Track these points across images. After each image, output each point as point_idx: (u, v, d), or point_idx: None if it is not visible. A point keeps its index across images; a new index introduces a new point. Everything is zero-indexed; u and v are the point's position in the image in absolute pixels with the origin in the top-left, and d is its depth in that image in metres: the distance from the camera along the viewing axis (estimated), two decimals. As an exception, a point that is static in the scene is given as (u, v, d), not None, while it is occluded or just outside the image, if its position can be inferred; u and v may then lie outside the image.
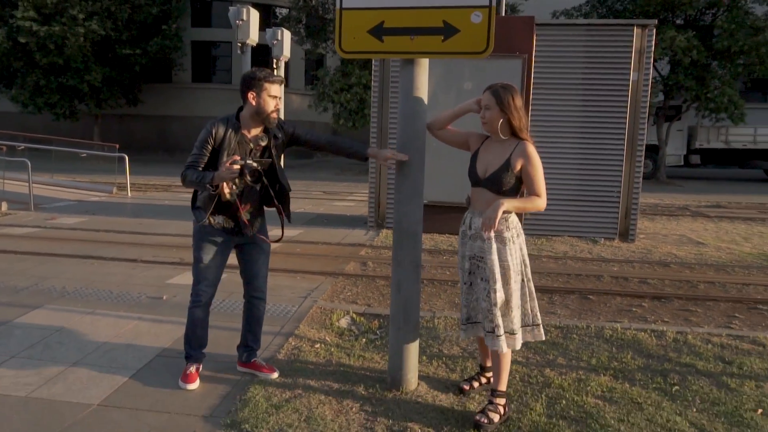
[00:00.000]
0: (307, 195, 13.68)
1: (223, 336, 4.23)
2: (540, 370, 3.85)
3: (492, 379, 3.34)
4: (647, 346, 4.28)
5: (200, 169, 3.24)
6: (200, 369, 3.59)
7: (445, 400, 3.39)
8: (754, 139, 21.38)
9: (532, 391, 3.55)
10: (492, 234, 3.02)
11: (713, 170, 25.49)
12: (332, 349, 4.09)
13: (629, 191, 8.17)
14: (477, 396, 3.47)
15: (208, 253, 3.39)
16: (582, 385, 3.64)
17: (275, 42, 10.56)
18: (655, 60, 16.70)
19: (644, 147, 8.17)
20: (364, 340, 4.34)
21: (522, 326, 3.17)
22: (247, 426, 3.02)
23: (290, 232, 8.40)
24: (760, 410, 3.37)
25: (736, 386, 3.66)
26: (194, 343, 3.56)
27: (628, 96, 7.97)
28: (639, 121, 8.06)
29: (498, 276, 3.05)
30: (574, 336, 4.45)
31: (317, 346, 4.14)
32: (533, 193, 3.03)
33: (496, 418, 3.10)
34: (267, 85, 3.17)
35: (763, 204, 14.46)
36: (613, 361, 4.01)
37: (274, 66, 10.76)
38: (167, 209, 10.57)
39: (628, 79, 7.93)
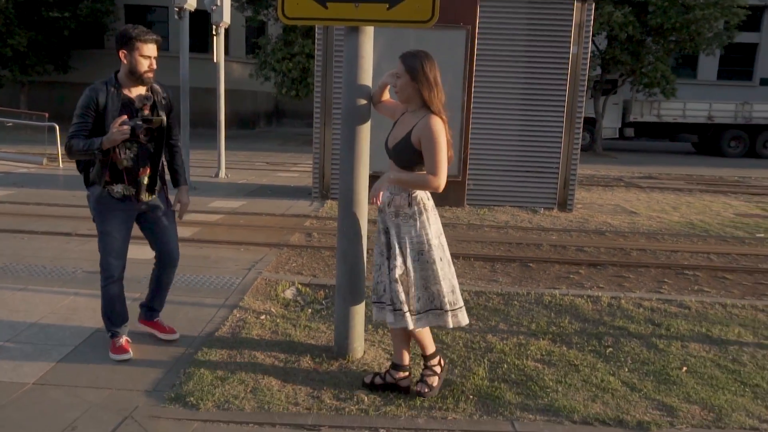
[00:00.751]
0: (251, 166, 13.41)
1: (166, 310, 4.13)
2: (482, 336, 3.96)
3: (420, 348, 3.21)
4: (583, 311, 4.47)
5: (85, 136, 3.12)
6: (129, 341, 3.50)
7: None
8: (683, 113, 22.27)
9: (475, 357, 3.65)
10: (379, 203, 3.00)
11: (646, 143, 26.50)
12: (278, 320, 4.07)
13: (568, 162, 8.42)
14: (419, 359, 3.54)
15: (113, 225, 3.29)
16: (522, 350, 3.77)
17: (214, 7, 10.17)
18: (593, 35, 17.12)
19: (582, 119, 8.40)
20: (309, 310, 4.35)
21: (426, 310, 3.01)
22: (192, 399, 2.99)
23: (233, 204, 8.24)
24: (684, 368, 3.59)
25: (664, 347, 3.88)
26: (116, 320, 3.47)
27: (567, 69, 8.15)
28: (578, 94, 8.27)
29: (397, 252, 2.95)
30: (515, 302, 4.59)
31: (262, 317, 4.11)
32: (427, 170, 2.87)
33: (435, 381, 3.13)
34: (139, 44, 3.09)
35: (690, 175, 15.20)
36: (552, 326, 4.17)
37: (214, 33, 10.38)
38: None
39: (568, 53, 8.09)
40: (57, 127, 11.94)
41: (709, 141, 22.54)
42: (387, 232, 3.06)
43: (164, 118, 3.28)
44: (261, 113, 30.09)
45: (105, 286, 3.41)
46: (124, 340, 3.48)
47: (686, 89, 23.83)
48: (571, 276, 5.48)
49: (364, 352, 3.62)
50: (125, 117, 3.06)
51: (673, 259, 6.16)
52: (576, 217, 8.25)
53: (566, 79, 8.18)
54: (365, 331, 3.74)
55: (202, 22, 23.31)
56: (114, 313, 3.46)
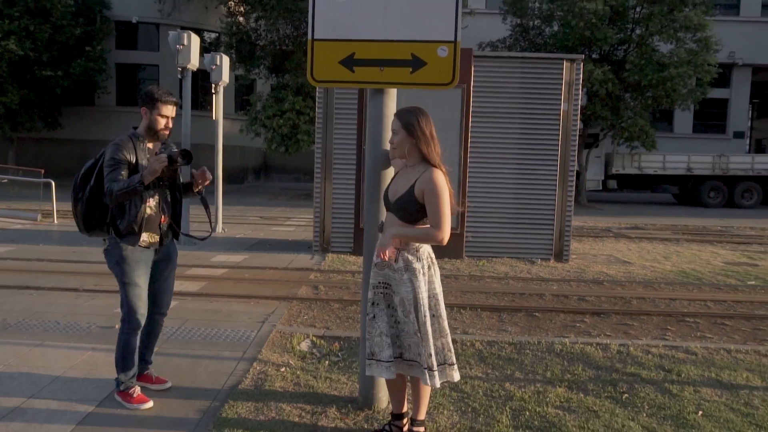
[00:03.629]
0: (245, 220, 13.51)
1: (186, 364, 4.16)
2: (501, 384, 4.03)
3: (411, 413, 3.22)
4: (595, 358, 4.57)
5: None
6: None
7: (417, 416, 3.49)
8: (663, 166, 22.98)
9: (496, 405, 3.71)
10: (390, 259, 2.93)
11: (628, 194, 27.18)
12: (298, 372, 4.11)
13: (562, 214, 8.66)
14: (448, 406, 3.59)
15: (141, 275, 3.43)
16: (541, 397, 3.85)
17: (214, 67, 10.50)
18: (574, 91, 17.83)
19: (575, 173, 8.70)
20: (327, 362, 4.39)
21: (441, 364, 3.02)
22: (226, 452, 3.01)
23: (235, 258, 8.30)
24: (700, 412, 3.69)
25: (678, 392, 3.98)
26: (130, 370, 3.52)
27: (559, 125, 8.50)
28: (570, 148, 8.60)
29: (411, 307, 2.94)
30: (528, 351, 4.68)
31: (282, 369, 4.15)
32: (431, 223, 2.90)
33: None
34: (160, 104, 3.37)
35: (675, 225, 15.58)
36: (566, 374, 4.26)
37: (213, 91, 10.67)
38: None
39: (559, 109, 8.46)
40: (53, 183, 11.99)
41: (689, 192, 23.19)
42: (386, 286, 3.03)
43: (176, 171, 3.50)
44: (249, 168, 30.40)
45: (128, 336, 3.46)
46: (138, 389, 3.53)
47: (664, 142, 24.68)
48: (577, 324, 5.60)
49: (388, 402, 3.67)
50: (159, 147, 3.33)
51: (672, 307, 6.31)
52: (573, 268, 8.43)
53: (558, 134, 8.53)
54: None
55: (201, 80, 23.87)
56: (130, 363, 3.52)
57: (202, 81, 21.53)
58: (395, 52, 3.36)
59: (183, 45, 8.66)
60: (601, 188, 23.47)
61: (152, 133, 3.42)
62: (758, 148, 35.89)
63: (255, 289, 6.43)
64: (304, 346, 4.73)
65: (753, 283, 7.79)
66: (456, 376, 3.08)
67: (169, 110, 3.41)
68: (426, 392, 3.16)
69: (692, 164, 22.80)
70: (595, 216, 17.82)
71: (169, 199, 3.53)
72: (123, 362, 3.50)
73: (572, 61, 8.45)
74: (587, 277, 7.82)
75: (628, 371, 4.33)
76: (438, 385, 3.00)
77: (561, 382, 4.10)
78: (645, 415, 3.63)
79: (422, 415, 3.18)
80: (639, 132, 20.81)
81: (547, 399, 3.82)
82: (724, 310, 6.28)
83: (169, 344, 4.53)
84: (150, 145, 3.46)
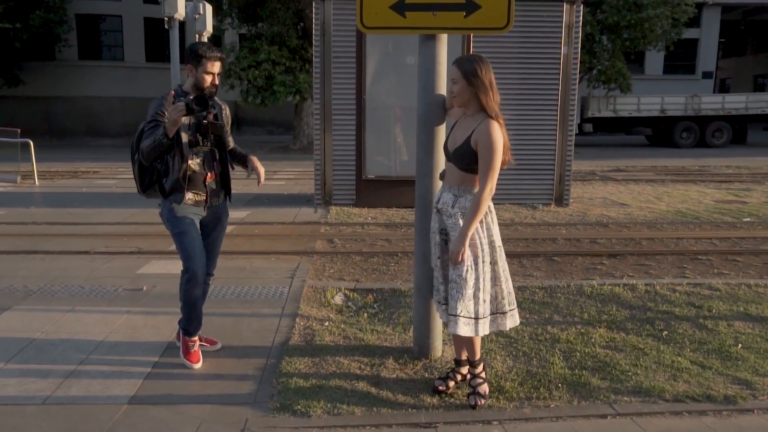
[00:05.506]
0: (233, 175, 13.23)
1: (228, 323, 4.12)
2: (543, 328, 4.12)
3: (468, 369, 3.23)
4: (625, 298, 4.68)
5: None
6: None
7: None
8: (638, 108, 23.22)
9: (546, 348, 3.80)
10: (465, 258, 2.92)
11: (602, 137, 27.45)
12: (342, 326, 4.11)
13: (563, 159, 8.71)
14: (499, 351, 3.65)
15: (191, 227, 3.36)
16: (586, 338, 3.94)
17: (197, 16, 10.04)
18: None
19: (576, 117, 8.70)
20: (365, 314, 4.40)
21: (491, 313, 3.05)
22: (299, 407, 3.01)
23: (238, 214, 8.16)
24: (740, 344, 3.84)
25: (713, 327, 4.12)
26: (196, 326, 3.50)
27: (559, 69, 8.44)
28: (570, 93, 8.57)
29: (466, 256, 2.93)
30: (560, 294, 4.77)
31: (327, 324, 4.15)
32: (481, 174, 2.90)
33: (486, 389, 3.13)
34: (205, 61, 3.22)
35: (655, 166, 15.88)
36: (603, 314, 4.36)
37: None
38: (93, 197, 9.83)
39: (560, 53, 8.39)
40: (31, 143, 11.50)
41: (662, 133, 23.57)
42: (447, 235, 3.07)
43: (224, 124, 3.40)
44: (221, 122, 29.58)
45: (188, 287, 3.38)
46: (198, 346, 3.51)
47: (636, 84, 24.85)
48: (598, 267, 5.71)
49: (443, 351, 3.71)
50: (173, 94, 3.12)
51: (681, 246, 6.48)
52: (574, 212, 8.55)
53: (558, 79, 8.48)
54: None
55: (157, 31, 22.88)
56: (196, 318, 3.47)
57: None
58: (448, -5, 3.23)
59: (169, -7, 8.23)
60: (577, 132, 23.66)
61: (198, 90, 3.27)
62: (722, 87, 36.55)
63: (270, 244, 6.35)
64: (338, 299, 4.72)
65: (748, 219, 8.03)
66: (509, 324, 3.10)
67: (216, 66, 3.26)
68: (474, 341, 3.13)
69: (665, 106, 23.10)
70: (576, 160, 18.00)
71: (217, 158, 3.41)
72: (186, 315, 3.45)
73: (572, 3, 8.32)
74: (591, 220, 7.94)
75: (661, 309, 4.45)
76: (463, 333, 2.97)
77: (600, 323, 4.20)
78: (689, 350, 3.76)
79: (478, 355, 3.18)
80: (616, 74, 20.91)
81: (592, 340, 3.91)
82: (731, 246, 6.48)
83: (206, 304, 4.46)
84: None
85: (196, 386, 3.24)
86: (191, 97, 3.17)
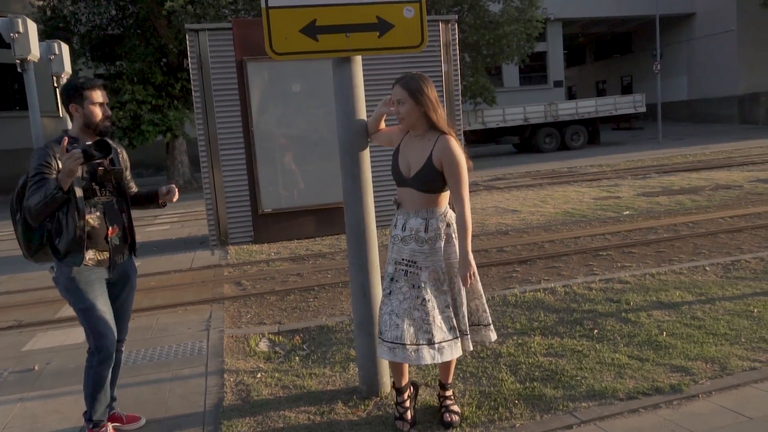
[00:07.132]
0: (107, 226, 12.18)
1: (147, 393, 3.65)
2: (481, 344, 4.06)
3: (442, 378, 3.17)
4: (549, 302, 4.78)
5: None
6: None
7: (428, 397, 3.40)
8: (504, 118, 24.65)
9: (491, 365, 3.74)
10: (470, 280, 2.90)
11: (476, 149, 28.80)
12: (277, 375, 3.80)
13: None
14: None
15: (95, 296, 2.92)
16: (526, 348, 3.94)
17: (53, 57, 9.18)
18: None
19: (463, 132, 8.94)
20: (297, 358, 4.12)
21: (470, 325, 3.03)
22: (254, 477, 2.68)
23: (126, 268, 7.45)
24: (664, 333, 4.02)
25: (635, 319, 4.30)
26: (105, 405, 3.06)
27: (442, 86, 8.66)
28: (453, 108, 8.81)
29: (445, 275, 2.91)
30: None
31: (259, 375, 3.81)
32: (454, 192, 2.83)
33: (458, 408, 3.11)
34: (87, 92, 2.86)
35: (530, 171, 16.85)
36: (533, 322, 4.40)
37: (55, 85, 9.35)
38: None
39: (441, 70, 8.61)
40: None
41: (527, 140, 25.18)
42: (409, 263, 2.90)
43: (123, 168, 3.03)
44: (83, 169, 27.40)
45: (99, 367, 2.94)
46: (111, 427, 3.06)
47: (498, 96, 26.45)
48: (513, 275, 5.83)
49: (391, 385, 3.52)
50: (66, 141, 2.68)
51: (581, 245, 6.81)
52: (474, 222, 8.73)
53: (443, 96, 8.68)
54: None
55: (11, 76, 20.81)
56: (104, 397, 3.02)
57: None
58: (360, 16, 3.13)
59: (19, 32, 7.41)
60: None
61: (91, 129, 2.88)
62: (570, 94, 39.93)
63: (173, 296, 5.82)
64: (264, 346, 4.39)
65: (628, 213, 8.67)
66: (492, 336, 3.11)
67: (100, 95, 2.89)
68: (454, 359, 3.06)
69: (528, 114, 24.72)
70: (457, 173, 18.66)
71: (116, 208, 3.00)
72: (93, 397, 2.97)
73: (447, 22, 8.60)
74: (491, 229, 8.16)
75: (584, 309, 4.58)
76: (470, 348, 2.99)
77: (533, 331, 4.23)
78: (622, 345, 3.87)
79: (451, 378, 3.15)
80: (481, 89, 22.08)
81: (532, 349, 3.92)
82: (623, 240, 6.92)
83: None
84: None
85: (125, 475, 2.80)
86: (89, 143, 2.77)
